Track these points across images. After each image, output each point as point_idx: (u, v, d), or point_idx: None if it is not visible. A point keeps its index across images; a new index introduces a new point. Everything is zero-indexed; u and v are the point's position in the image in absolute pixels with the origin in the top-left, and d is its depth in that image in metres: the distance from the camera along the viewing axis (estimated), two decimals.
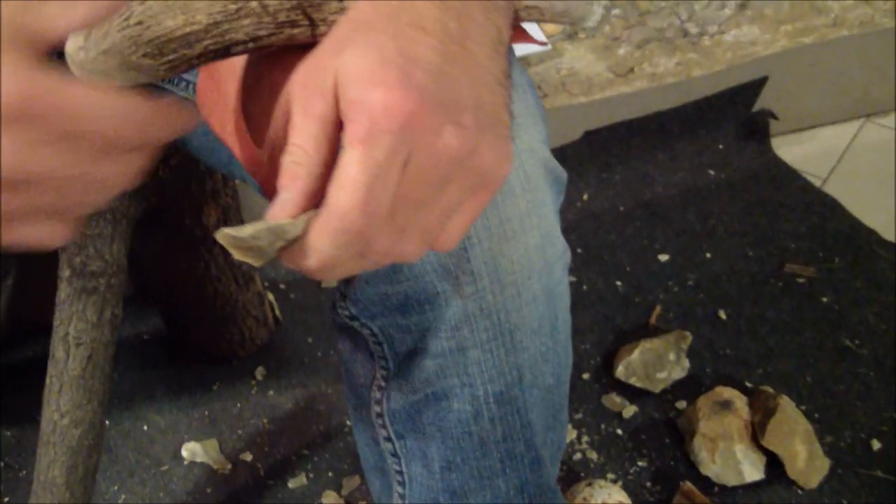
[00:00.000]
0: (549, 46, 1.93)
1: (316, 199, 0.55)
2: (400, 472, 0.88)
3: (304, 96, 0.55)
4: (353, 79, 0.53)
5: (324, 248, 0.54)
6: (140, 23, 0.59)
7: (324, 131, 0.54)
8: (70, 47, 0.60)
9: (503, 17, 0.61)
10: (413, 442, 0.86)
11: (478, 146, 0.55)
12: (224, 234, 0.55)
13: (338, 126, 0.54)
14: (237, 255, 0.57)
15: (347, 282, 0.80)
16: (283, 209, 0.55)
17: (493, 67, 0.58)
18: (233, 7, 0.60)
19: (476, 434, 0.83)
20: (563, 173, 0.85)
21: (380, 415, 0.86)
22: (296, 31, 0.60)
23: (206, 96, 0.79)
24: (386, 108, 0.51)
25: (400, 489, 0.89)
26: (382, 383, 0.84)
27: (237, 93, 0.69)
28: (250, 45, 0.62)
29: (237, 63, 0.66)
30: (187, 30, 0.60)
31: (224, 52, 0.62)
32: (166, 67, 0.61)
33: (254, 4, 0.61)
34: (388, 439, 0.87)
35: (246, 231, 0.55)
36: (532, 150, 0.79)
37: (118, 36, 0.59)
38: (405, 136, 0.52)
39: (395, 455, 0.88)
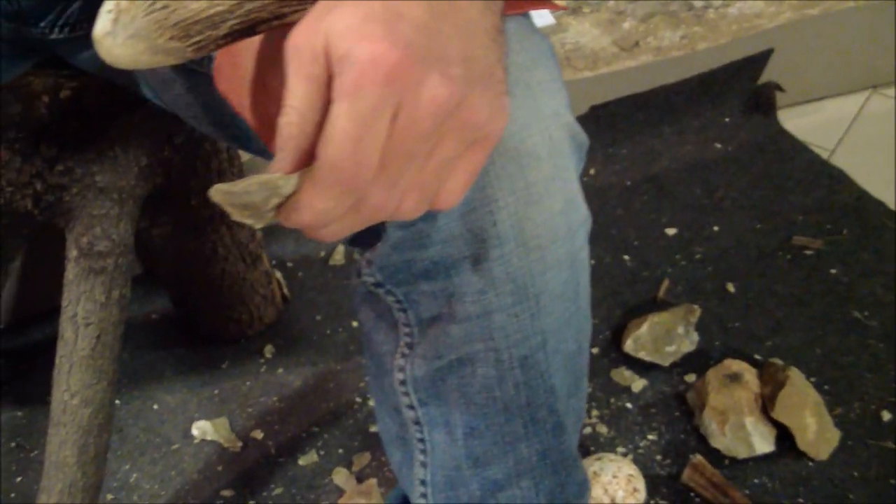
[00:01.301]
0: (555, 21, 1.92)
1: (311, 158, 0.55)
2: (422, 441, 0.88)
3: (296, 58, 0.55)
4: (340, 35, 0.53)
5: (316, 201, 0.55)
6: (166, 6, 0.59)
7: (316, 91, 0.55)
8: (98, 32, 0.60)
9: None
10: (436, 409, 0.86)
11: (467, 98, 0.56)
12: (217, 189, 0.56)
13: (329, 86, 0.54)
14: (234, 215, 0.57)
15: (372, 248, 0.80)
16: (277, 167, 0.56)
17: (484, 22, 0.59)
18: None
19: (500, 399, 0.83)
20: (585, 139, 0.85)
21: (403, 382, 0.86)
22: None
23: (224, 70, 0.79)
24: (371, 60, 0.52)
25: (422, 457, 0.89)
26: (406, 350, 0.84)
27: (254, 66, 0.69)
28: (275, 22, 0.62)
29: (255, 37, 0.66)
30: (212, 11, 0.60)
31: (249, 30, 0.62)
32: (193, 49, 0.61)
33: None
34: (411, 407, 0.87)
35: (239, 185, 0.56)
36: (557, 114, 0.79)
37: (145, 20, 0.59)
38: (391, 86, 0.53)
39: (417, 423, 0.88)
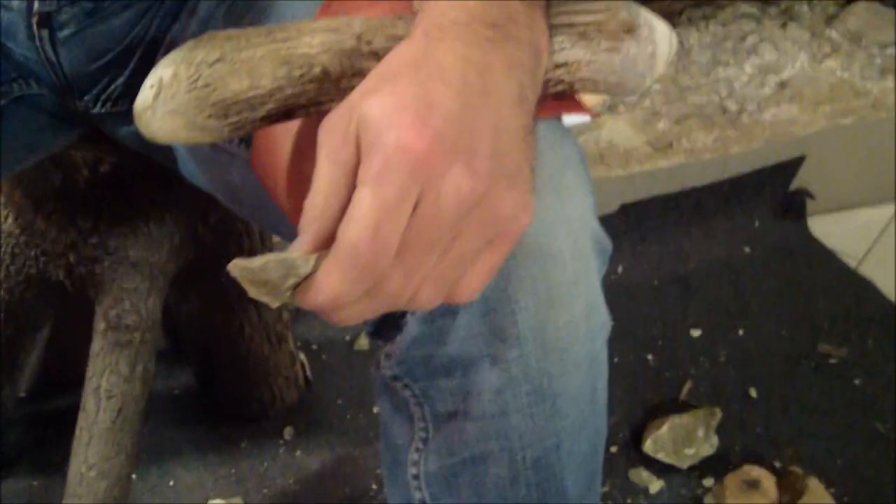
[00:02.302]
0: (589, 119, 1.94)
1: (331, 242, 0.56)
2: None
3: (327, 142, 0.57)
4: (371, 122, 0.55)
5: (333, 282, 0.56)
6: (207, 85, 0.61)
7: (343, 175, 0.56)
8: (139, 106, 0.62)
9: (527, 75, 0.63)
10: None
11: (491, 192, 0.57)
12: (236, 264, 0.57)
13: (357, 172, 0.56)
14: (251, 292, 0.58)
15: (392, 340, 0.80)
16: (297, 247, 0.57)
17: (515, 121, 0.60)
18: (297, 73, 0.62)
19: (512, 499, 0.83)
20: (608, 244, 0.85)
21: (416, 476, 0.86)
22: None
23: (261, 154, 0.81)
24: (398, 148, 0.54)
25: None
26: (421, 445, 0.84)
27: (291, 151, 0.70)
28: (312, 108, 0.64)
29: (292, 122, 0.68)
30: (252, 93, 0.62)
31: (286, 114, 0.64)
32: (230, 129, 0.63)
33: (317, 70, 0.62)
34: (423, 502, 0.87)
35: (257, 262, 0.57)
36: (582, 218, 0.80)
37: (186, 97, 0.61)
38: (416, 175, 0.54)
39: None
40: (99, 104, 0.96)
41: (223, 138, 0.64)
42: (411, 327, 0.78)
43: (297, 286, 0.58)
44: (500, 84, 0.60)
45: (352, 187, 0.56)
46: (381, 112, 0.55)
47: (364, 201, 0.54)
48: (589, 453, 0.86)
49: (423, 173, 0.54)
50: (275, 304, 0.60)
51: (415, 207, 0.55)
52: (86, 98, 0.96)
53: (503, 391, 0.78)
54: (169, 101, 0.62)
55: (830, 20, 2.16)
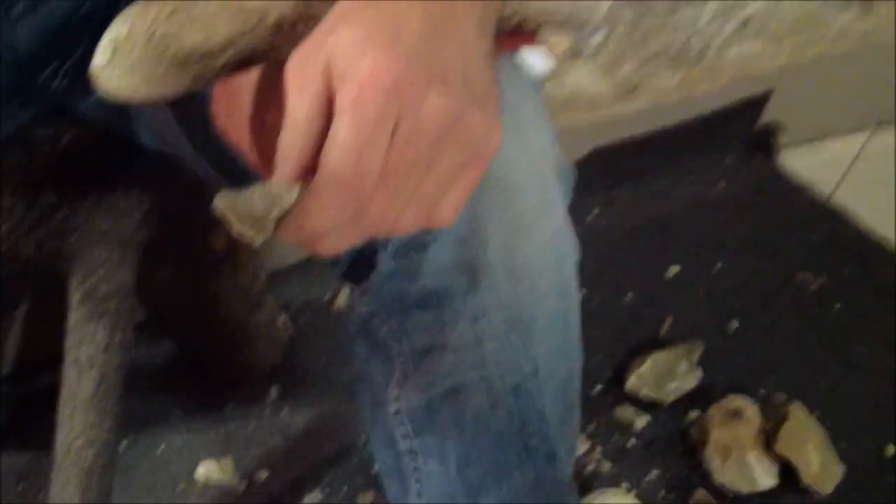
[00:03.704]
0: (552, 65, 1.94)
1: (310, 174, 0.57)
2: (417, 471, 0.89)
3: (297, 76, 0.58)
4: (341, 53, 0.56)
5: (318, 210, 0.57)
6: (163, 39, 0.61)
7: (317, 107, 0.57)
8: (96, 64, 0.62)
9: (484, 3, 0.63)
10: (430, 439, 0.86)
11: (465, 113, 0.57)
12: (221, 197, 0.57)
13: (330, 103, 0.56)
14: (235, 227, 0.58)
15: (366, 279, 0.81)
16: (279, 179, 0.57)
17: (479, 44, 0.61)
18: (251, 22, 0.62)
19: (493, 427, 0.84)
20: (571, 173, 0.86)
21: (397, 412, 0.87)
22: None
23: (222, 108, 0.81)
24: (373, 73, 0.55)
25: (417, 487, 0.90)
26: (401, 381, 0.85)
27: (253, 102, 0.70)
28: (269, 56, 0.64)
29: (252, 71, 0.68)
30: (208, 45, 0.62)
31: (244, 63, 0.64)
32: (188, 81, 0.63)
33: (271, 19, 0.63)
34: (406, 437, 0.87)
35: (242, 194, 0.57)
36: (542, 148, 0.81)
37: (142, 52, 0.61)
38: (392, 98, 0.55)
39: (411, 453, 0.88)
40: (57, 79, 0.96)
41: (184, 91, 0.65)
42: (384, 264, 0.79)
43: (279, 218, 0.59)
44: (463, 9, 0.60)
45: (326, 119, 0.56)
46: (351, 41, 0.56)
47: (344, 127, 0.55)
48: (566, 380, 0.87)
49: (400, 96, 0.55)
50: (259, 239, 0.60)
51: (393, 131, 0.56)
52: (43, 74, 0.96)
53: (478, 320, 0.79)
54: (126, 57, 0.62)
55: None
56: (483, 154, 0.60)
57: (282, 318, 1.65)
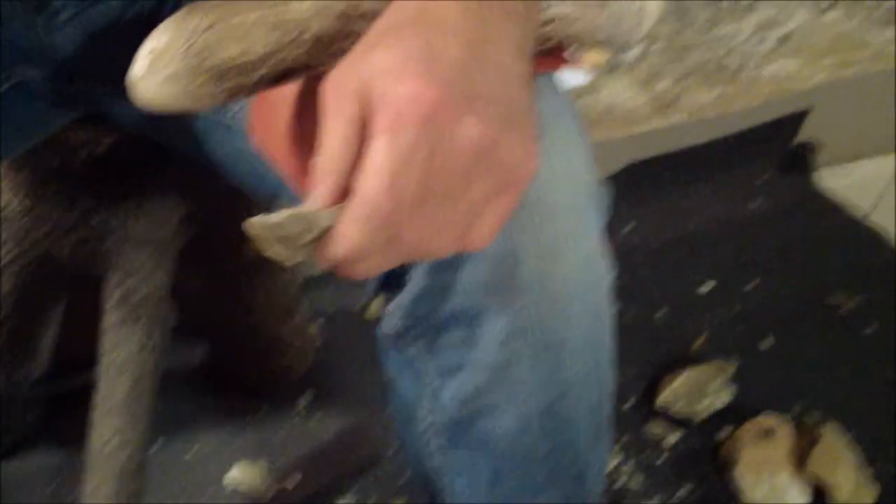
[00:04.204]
0: (588, 79, 1.94)
1: (344, 197, 0.57)
2: (445, 488, 0.89)
3: (334, 99, 0.58)
4: (379, 75, 0.56)
5: (352, 235, 0.57)
6: (201, 52, 0.62)
7: (353, 130, 0.57)
8: (134, 74, 0.63)
9: (523, 25, 0.63)
10: (459, 457, 0.87)
11: (501, 139, 0.57)
12: (254, 222, 0.57)
13: (366, 125, 0.56)
14: (269, 250, 0.59)
15: (398, 291, 0.81)
16: (314, 202, 0.57)
17: (517, 68, 0.61)
18: (289, 37, 0.63)
19: (522, 449, 0.84)
20: (606, 196, 0.86)
21: (427, 429, 0.87)
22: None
23: (258, 121, 0.81)
24: (410, 99, 0.54)
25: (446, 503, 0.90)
26: (430, 399, 0.85)
27: (290, 117, 0.71)
28: (305, 72, 0.65)
29: (289, 86, 0.68)
30: (245, 59, 0.63)
31: (280, 78, 0.65)
32: (225, 94, 0.64)
33: (309, 34, 0.63)
34: (434, 454, 0.88)
35: (275, 218, 0.57)
36: (578, 170, 0.81)
37: (180, 64, 0.62)
38: (429, 125, 0.55)
39: (441, 470, 0.89)
40: (98, 85, 0.97)
41: (217, 104, 0.65)
42: (416, 282, 0.79)
43: (313, 241, 0.59)
44: (500, 32, 0.60)
45: (361, 141, 0.57)
46: (388, 64, 0.56)
47: (379, 152, 0.55)
48: (595, 404, 0.87)
49: (436, 122, 0.55)
50: (291, 262, 0.60)
51: (428, 157, 0.56)
52: (84, 80, 0.96)
53: (508, 342, 0.79)
54: (163, 68, 0.63)
55: None
56: (519, 180, 0.60)
57: (314, 325, 1.65)
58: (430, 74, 0.55)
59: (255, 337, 1.53)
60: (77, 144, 1.16)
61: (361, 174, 0.56)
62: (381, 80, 0.56)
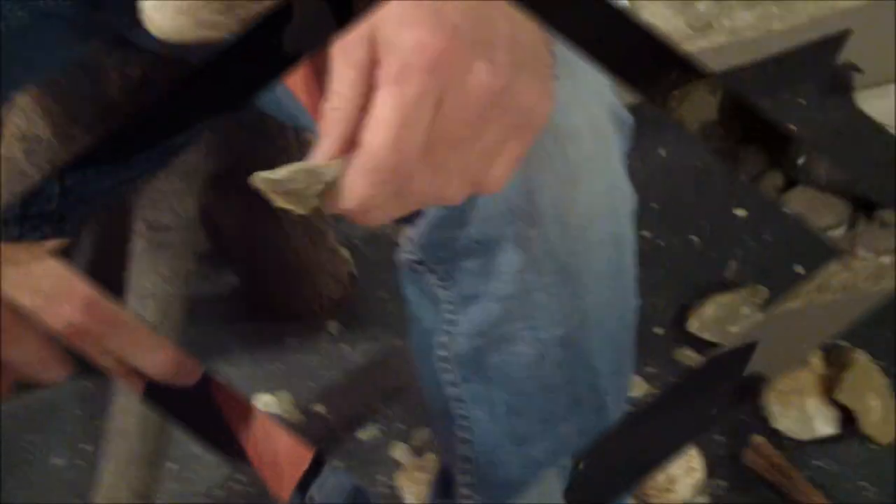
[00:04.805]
0: (627, 2, 1.91)
1: (354, 144, 0.56)
2: (464, 418, 0.89)
3: (343, 45, 0.56)
4: (385, 22, 0.54)
5: (360, 187, 0.56)
6: None
7: (360, 77, 0.55)
8: (147, 6, 0.62)
9: None
10: (477, 386, 0.86)
11: (513, 83, 0.56)
12: (259, 178, 0.57)
13: (374, 71, 0.55)
14: (277, 202, 0.58)
15: (413, 225, 0.81)
16: (321, 153, 0.56)
17: None
18: None
19: (540, 378, 0.84)
20: (628, 118, 0.85)
21: (445, 359, 0.87)
22: None
23: None
24: (416, 47, 0.53)
25: (464, 434, 0.90)
26: (448, 327, 0.85)
27: None
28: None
29: None
30: None
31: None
32: (236, 23, 0.63)
33: None
34: (453, 384, 0.88)
35: (281, 173, 0.56)
36: (598, 93, 0.79)
37: None
38: (436, 73, 0.53)
39: (459, 400, 0.88)
40: (120, 12, 0.96)
41: (230, 32, 0.64)
42: (432, 211, 0.78)
43: (322, 193, 0.58)
44: None
45: (370, 88, 0.56)
46: (395, 11, 0.55)
47: (386, 103, 0.54)
48: (617, 330, 0.86)
49: (444, 70, 0.54)
50: (301, 212, 0.59)
51: (436, 105, 0.55)
52: (106, 6, 0.96)
53: (526, 270, 0.79)
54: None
55: None
56: (533, 122, 0.59)
57: (344, 253, 1.65)
58: (438, 20, 0.54)
59: (284, 263, 1.53)
60: (109, 70, 1.16)
61: (366, 126, 0.55)
62: (388, 27, 0.55)
